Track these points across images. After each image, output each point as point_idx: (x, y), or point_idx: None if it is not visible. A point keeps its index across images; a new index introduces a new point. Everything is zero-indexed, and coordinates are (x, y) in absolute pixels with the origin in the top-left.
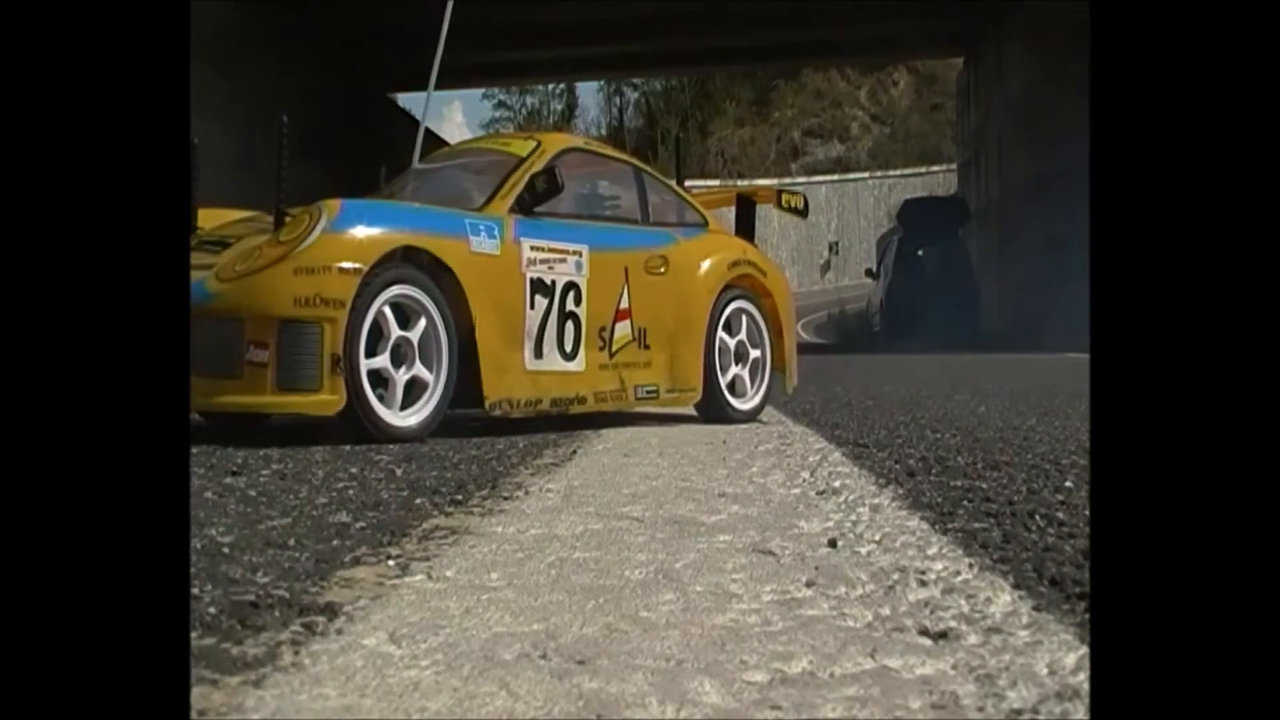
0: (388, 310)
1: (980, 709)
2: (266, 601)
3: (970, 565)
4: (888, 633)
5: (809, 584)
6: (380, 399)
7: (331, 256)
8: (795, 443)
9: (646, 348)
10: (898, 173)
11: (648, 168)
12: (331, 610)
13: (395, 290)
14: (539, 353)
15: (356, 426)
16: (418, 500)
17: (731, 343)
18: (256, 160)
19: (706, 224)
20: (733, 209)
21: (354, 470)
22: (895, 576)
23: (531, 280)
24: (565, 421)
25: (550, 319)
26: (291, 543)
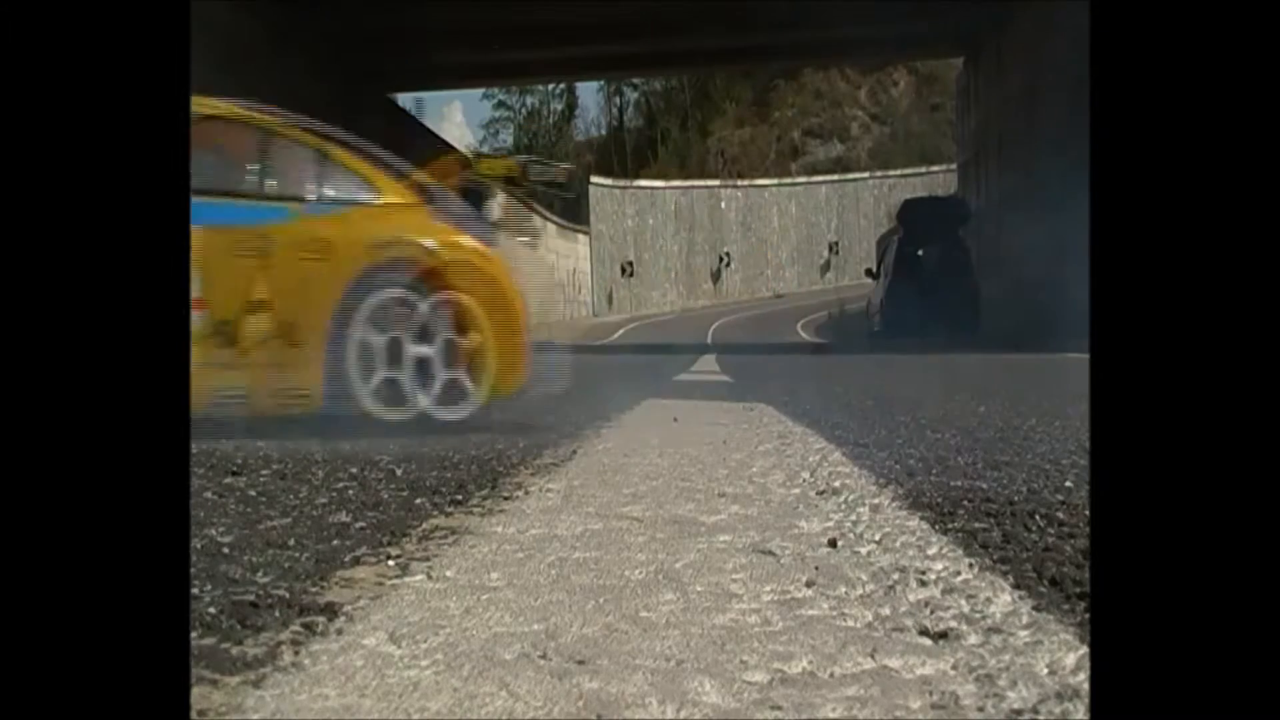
0: None
1: (980, 709)
2: (266, 601)
3: (970, 565)
4: (888, 633)
5: (809, 584)
6: None
7: None
8: (795, 442)
9: (234, 344)
10: (898, 173)
11: (298, 131)
12: (331, 610)
13: None
14: None
15: None
16: (418, 500)
17: (381, 340)
18: None
19: (381, 196)
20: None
21: (354, 470)
22: (895, 576)
23: None
24: (565, 421)
25: None
26: (291, 543)
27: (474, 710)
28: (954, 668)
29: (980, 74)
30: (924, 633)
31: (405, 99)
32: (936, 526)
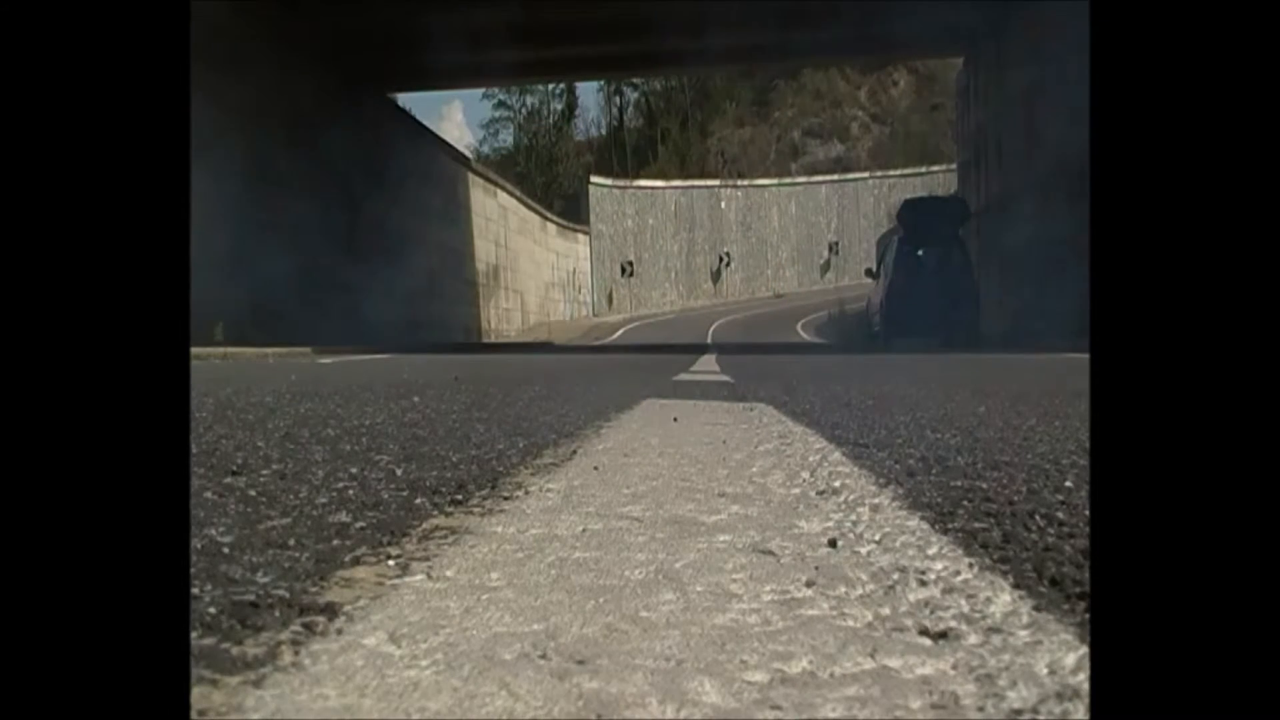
0: None
1: (980, 709)
2: (266, 601)
3: (970, 565)
4: (888, 633)
5: (809, 584)
6: None
7: None
8: (795, 442)
9: None
10: (898, 173)
11: None
12: (331, 610)
13: None
14: None
15: None
16: (418, 500)
17: None
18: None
19: None
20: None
21: (354, 470)
22: (895, 576)
23: None
24: (565, 421)
25: None
26: (291, 542)
27: (474, 710)
28: (954, 668)
29: (980, 74)
30: (924, 633)
31: (405, 99)
32: (936, 526)
